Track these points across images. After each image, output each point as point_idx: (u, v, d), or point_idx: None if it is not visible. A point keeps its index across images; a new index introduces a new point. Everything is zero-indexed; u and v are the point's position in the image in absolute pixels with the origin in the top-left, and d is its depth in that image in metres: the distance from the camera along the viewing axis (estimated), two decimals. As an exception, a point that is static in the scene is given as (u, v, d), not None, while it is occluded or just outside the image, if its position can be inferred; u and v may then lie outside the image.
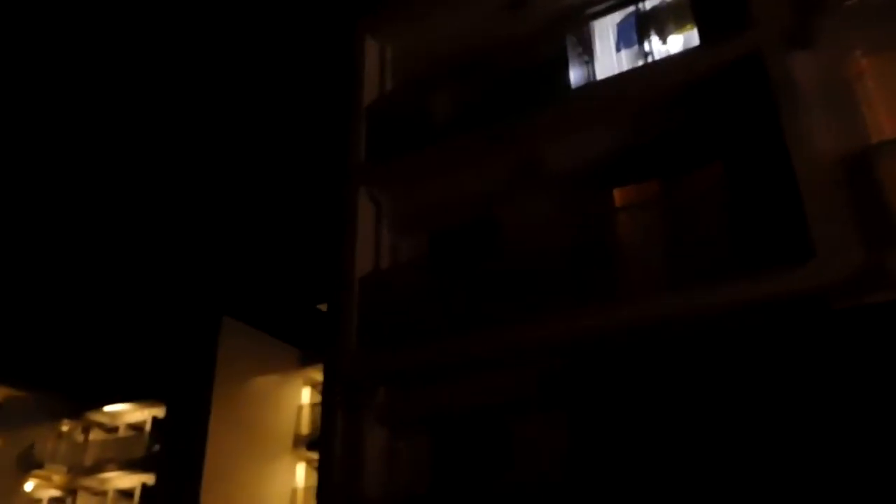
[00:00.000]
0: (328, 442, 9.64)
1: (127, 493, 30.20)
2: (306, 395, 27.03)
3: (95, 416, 31.97)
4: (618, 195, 9.54)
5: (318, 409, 27.99)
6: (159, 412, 31.41)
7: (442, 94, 11.04)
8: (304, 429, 26.19)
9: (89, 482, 30.30)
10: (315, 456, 25.98)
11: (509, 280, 9.37)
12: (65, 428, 32.38)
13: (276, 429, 24.98)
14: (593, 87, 9.69)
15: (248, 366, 24.46)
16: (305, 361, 27.03)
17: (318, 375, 27.32)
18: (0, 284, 46.06)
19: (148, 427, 30.82)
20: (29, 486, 30.00)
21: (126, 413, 31.83)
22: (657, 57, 9.91)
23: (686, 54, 9.35)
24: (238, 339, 24.31)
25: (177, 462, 22.41)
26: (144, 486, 29.88)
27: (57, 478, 30.32)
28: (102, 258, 54.44)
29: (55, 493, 30.90)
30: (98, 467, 30.01)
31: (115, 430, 32.10)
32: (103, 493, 30.35)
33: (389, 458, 9.49)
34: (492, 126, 9.96)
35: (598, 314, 8.42)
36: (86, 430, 32.20)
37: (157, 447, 29.81)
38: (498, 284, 9.43)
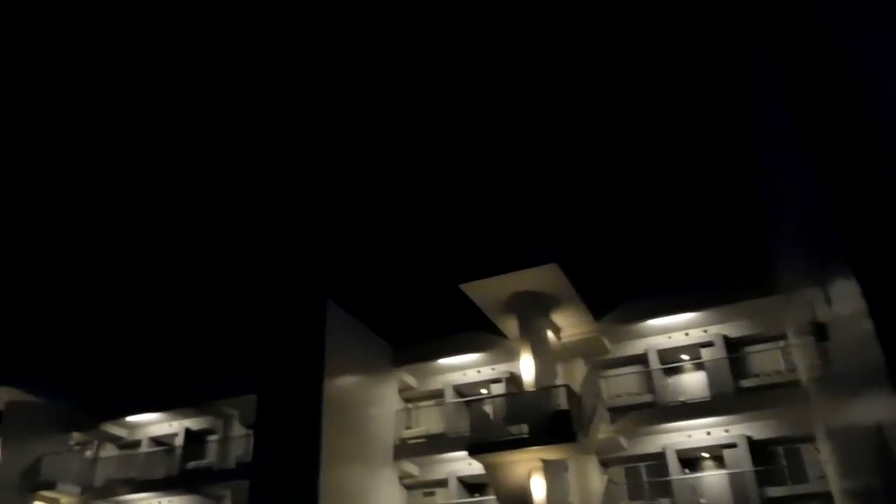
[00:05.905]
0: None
1: (152, 518, 25.38)
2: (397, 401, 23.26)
3: (112, 428, 27.10)
4: None
5: (404, 416, 24.18)
6: (192, 423, 26.94)
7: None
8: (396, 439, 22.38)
9: (105, 506, 25.39)
10: (411, 470, 22.09)
11: None
12: (75, 441, 27.29)
13: (378, 436, 21.08)
14: None
15: (349, 360, 20.58)
16: (396, 362, 23.35)
17: (408, 378, 23.60)
18: (6, 263, 36.46)
19: (180, 440, 26.21)
20: (34, 509, 24.84)
21: (152, 425, 27.13)
22: None
23: None
24: (340, 328, 20.43)
25: (277, 470, 18.26)
26: (175, 509, 25.24)
27: (67, 500, 25.26)
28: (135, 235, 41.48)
29: (63, 518, 25.74)
30: (114, 488, 25.22)
31: (135, 444, 27.25)
32: (125, 519, 25.43)
33: None
34: None
35: None
36: (101, 444, 27.20)
37: (192, 464, 25.32)
38: None
